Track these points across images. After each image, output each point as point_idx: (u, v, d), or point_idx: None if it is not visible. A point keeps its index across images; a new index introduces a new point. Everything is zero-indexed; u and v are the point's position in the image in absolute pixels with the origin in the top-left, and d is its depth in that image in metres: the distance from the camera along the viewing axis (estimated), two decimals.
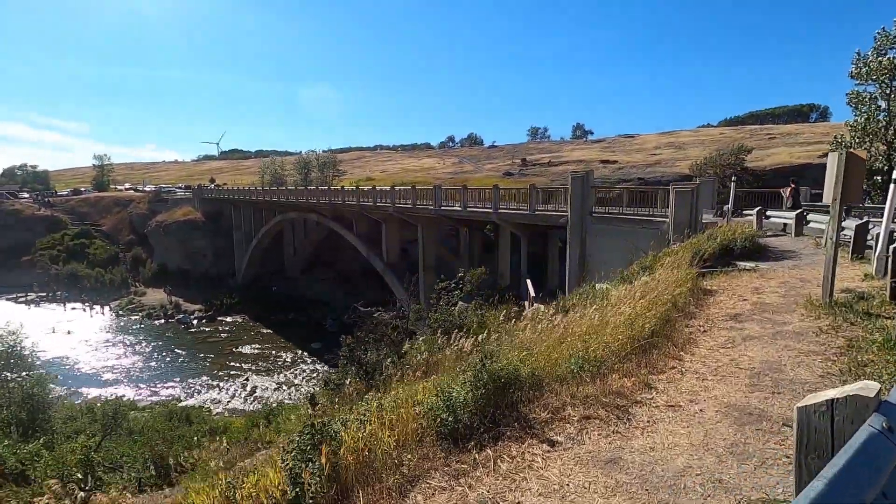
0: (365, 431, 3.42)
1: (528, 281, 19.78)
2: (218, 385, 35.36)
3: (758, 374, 4.39)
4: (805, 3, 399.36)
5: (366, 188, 36.21)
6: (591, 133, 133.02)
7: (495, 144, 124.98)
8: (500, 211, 22.73)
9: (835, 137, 26.93)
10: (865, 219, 10.54)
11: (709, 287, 8.18)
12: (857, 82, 24.92)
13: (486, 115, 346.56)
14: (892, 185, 7.24)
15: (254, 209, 54.87)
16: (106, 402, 25.21)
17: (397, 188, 31.18)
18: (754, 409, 3.73)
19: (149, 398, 32.68)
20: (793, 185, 16.72)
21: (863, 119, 24.86)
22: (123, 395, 33.22)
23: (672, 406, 3.92)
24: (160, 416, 24.10)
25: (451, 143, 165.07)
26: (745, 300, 7.13)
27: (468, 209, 24.47)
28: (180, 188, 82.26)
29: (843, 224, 11.58)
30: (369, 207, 32.17)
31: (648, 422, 3.67)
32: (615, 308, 7.08)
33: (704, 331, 5.98)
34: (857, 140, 25.26)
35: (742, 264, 10.65)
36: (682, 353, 5.26)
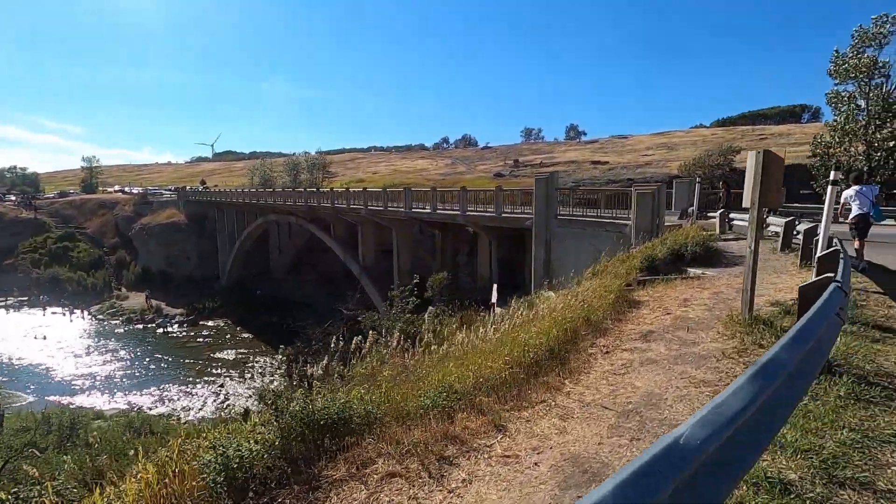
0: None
1: (495, 286, 19.14)
2: (192, 392, 34.61)
3: (629, 413, 3.73)
4: (796, 4, 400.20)
5: (339, 190, 35.50)
6: (585, 134, 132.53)
7: (489, 145, 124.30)
8: (467, 213, 22.09)
9: (814, 137, 26.38)
10: (815, 222, 9.89)
11: (638, 298, 7.53)
12: (837, 81, 24.38)
13: (481, 117, 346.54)
14: (829, 187, 6.60)
15: (237, 211, 54.16)
16: (62, 410, 24.39)
17: (369, 190, 30.50)
18: (597, 463, 3.07)
19: (118, 406, 31.89)
20: (724, 186, 16.21)
21: (842, 118, 24.32)
22: (93, 404, 32.47)
23: (507, 457, 3.25)
24: (119, 427, 23.30)
25: (445, 145, 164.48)
26: (668, 314, 6.48)
27: (437, 211, 23.81)
28: (169, 190, 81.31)
29: (798, 228, 10.97)
30: (343, 210, 31.48)
31: (463, 481, 3.00)
32: (525, 323, 6.43)
33: (607, 352, 5.33)
34: (837, 140, 24.74)
35: (692, 271, 10.02)
36: (566, 381, 4.60)
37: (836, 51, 24.16)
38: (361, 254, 32.96)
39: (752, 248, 5.34)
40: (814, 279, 3.67)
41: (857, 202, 7.98)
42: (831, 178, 6.60)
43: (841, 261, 4.68)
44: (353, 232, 35.07)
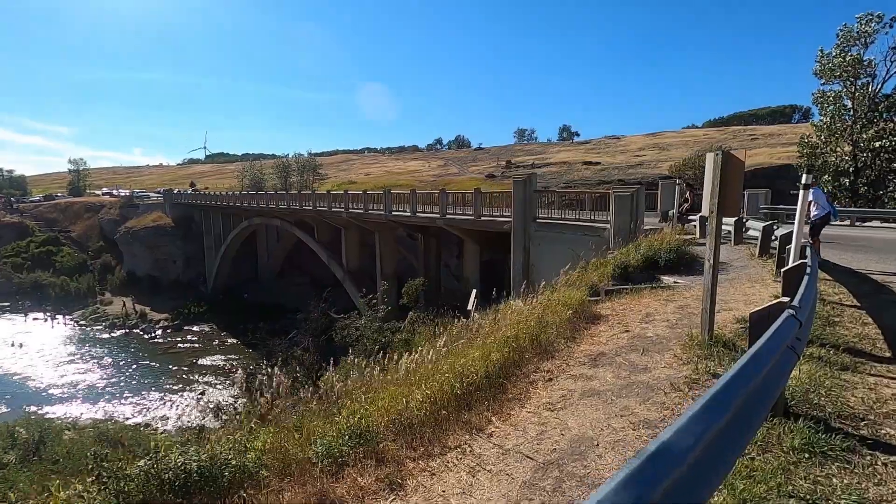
0: None
1: (474, 291, 18.58)
2: (172, 400, 33.80)
3: (550, 465, 3.16)
4: (789, 4, 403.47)
5: (320, 192, 34.83)
6: (578, 135, 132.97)
7: (482, 147, 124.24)
8: (447, 216, 21.49)
9: (801, 137, 25.99)
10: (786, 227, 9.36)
11: (600, 312, 6.97)
12: (822, 81, 24.00)
13: (474, 118, 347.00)
14: (801, 191, 6.07)
15: (222, 214, 53.29)
16: (29, 422, 23.47)
17: (350, 192, 29.87)
18: None
19: (95, 416, 31.02)
20: (689, 189, 15.84)
21: (828, 118, 23.94)
22: (70, 414, 31.57)
23: None
24: (89, 440, 22.43)
25: (438, 146, 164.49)
26: (627, 331, 5.92)
27: (417, 214, 23.21)
28: (158, 192, 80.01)
29: (776, 232, 10.46)
30: (325, 213, 30.84)
31: None
32: (466, 345, 5.86)
33: (549, 379, 4.75)
34: (824, 140, 24.37)
35: (665, 279, 9.48)
36: (493, 417, 4.02)
37: (821, 50, 23.78)
38: (345, 258, 32.29)
39: (711, 261, 4.79)
40: (763, 305, 3.12)
41: (822, 202, 8.61)
42: (803, 181, 6.07)
43: (806, 277, 4.12)
44: (338, 235, 34.41)
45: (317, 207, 31.75)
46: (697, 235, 13.69)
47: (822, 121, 24.52)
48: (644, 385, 4.27)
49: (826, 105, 24.04)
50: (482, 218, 19.82)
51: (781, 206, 18.82)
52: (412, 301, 19.28)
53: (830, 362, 4.18)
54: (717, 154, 4.70)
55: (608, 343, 5.58)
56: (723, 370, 4.22)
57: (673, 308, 6.79)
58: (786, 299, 3.09)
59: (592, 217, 15.35)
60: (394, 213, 24.72)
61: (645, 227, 15.17)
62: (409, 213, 23.62)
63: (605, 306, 7.43)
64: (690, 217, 15.37)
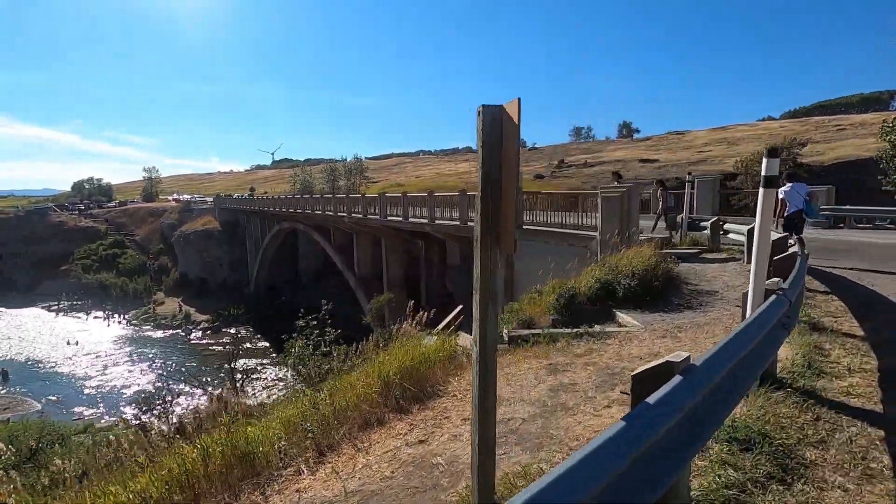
0: None
1: (460, 307, 16.13)
2: (190, 405, 33.83)
3: None
4: None
5: (326, 196, 33.55)
6: (638, 131, 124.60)
7: (536, 146, 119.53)
8: (436, 221, 19.03)
9: (884, 122, 20.92)
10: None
11: (444, 388, 4.40)
12: None
13: (532, 117, 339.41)
14: (761, 190, 3.25)
15: (259, 218, 54.11)
16: (31, 423, 23.55)
17: (350, 196, 28.22)
18: None
19: (115, 419, 31.52)
20: (658, 185, 12.75)
21: None
22: (96, 414, 32.37)
23: None
24: (83, 449, 22.14)
25: None
26: (422, 441, 3.36)
27: (409, 219, 20.95)
28: (213, 197, 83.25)
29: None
30: (331, 217, 29.39)
31: None
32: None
33: None
34: None
35: (620, 317, 6.65)
36: None
37: None
38: (356, 263, 30.73)
39: (478, 344, 2.20)
40: None
41: (792, 199, 7.87)
42: (763, 169, 3.22)
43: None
44: (351, 240, 33.00)
45: (325, 212, 30.45)
46: (711, 245, 10.42)
47: None
48: None
49: None
50: (469, 223, 17.24)
51: (847, 207, 14.78)
52: (375, 318, 17.13)
53: None
54: (482, 109, 2.10)
55: (371, 472, 3.06)
56: None
57: (554, 386, 4.07)
58: None
59: (579, 223, 12.41)
60: (388, 217, 22.66)
61: (650, 235, 12.10)
62: (401, 218, 21.46)
63: (463, 377, 4.81)
64: (704, 223, 12.05)
